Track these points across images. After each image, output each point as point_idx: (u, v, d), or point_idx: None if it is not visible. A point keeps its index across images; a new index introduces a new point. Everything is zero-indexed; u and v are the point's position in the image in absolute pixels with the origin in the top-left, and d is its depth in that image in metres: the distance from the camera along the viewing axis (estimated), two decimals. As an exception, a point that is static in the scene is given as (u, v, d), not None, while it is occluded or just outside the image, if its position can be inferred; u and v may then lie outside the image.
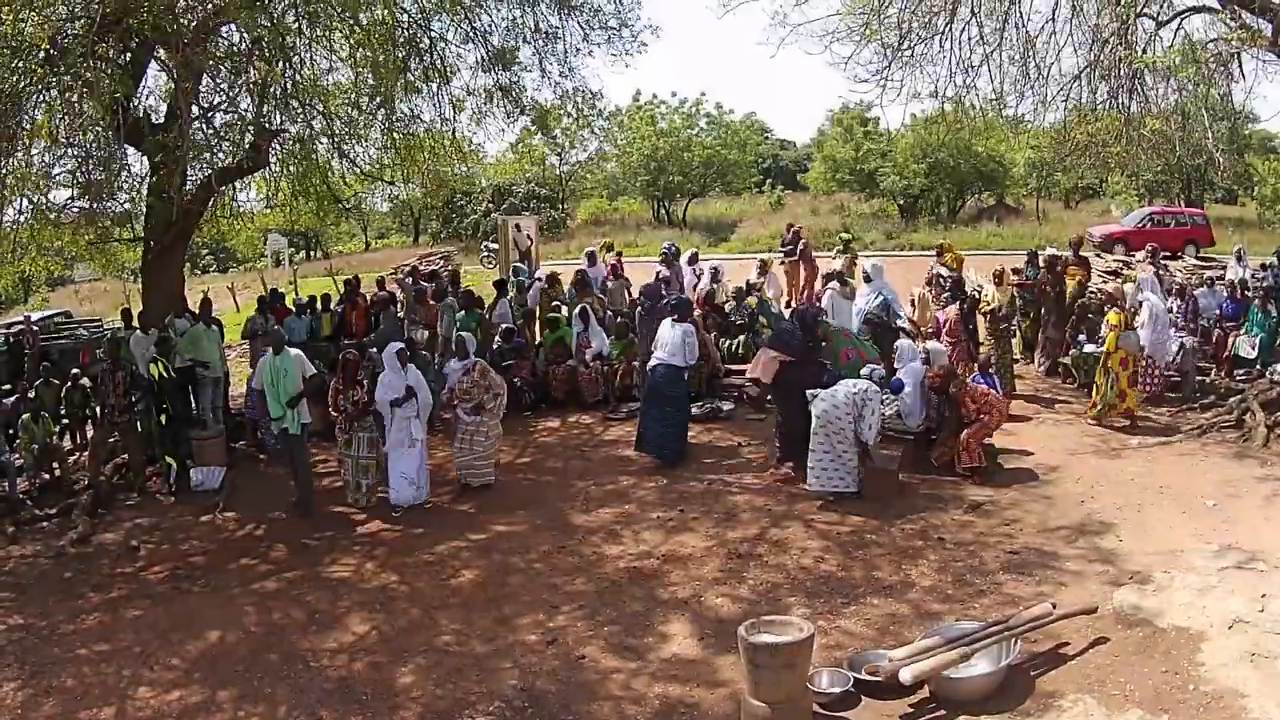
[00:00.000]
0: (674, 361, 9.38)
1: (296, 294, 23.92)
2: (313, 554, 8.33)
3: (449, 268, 18.87)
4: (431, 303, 12.47)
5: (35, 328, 15.86)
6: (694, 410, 11.34)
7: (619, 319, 12.63)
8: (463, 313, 11.94)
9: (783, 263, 16.86)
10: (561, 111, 13.92)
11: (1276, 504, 8.03)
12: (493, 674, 6.18)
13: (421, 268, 18.09)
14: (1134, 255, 17.53)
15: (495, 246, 25.73)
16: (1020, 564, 7.16)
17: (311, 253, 39.20)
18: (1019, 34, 12.38)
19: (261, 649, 6.76)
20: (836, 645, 6.24)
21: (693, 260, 15.43)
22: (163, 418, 10.01)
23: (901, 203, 31.72)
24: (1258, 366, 11.32)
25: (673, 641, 6.44)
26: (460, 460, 9.25)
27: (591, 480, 9.45)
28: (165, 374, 9.98)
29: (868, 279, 11.29)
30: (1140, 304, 11.10)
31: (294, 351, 9.31)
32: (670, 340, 9.42)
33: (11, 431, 10.68)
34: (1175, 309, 12.38)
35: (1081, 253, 13.44)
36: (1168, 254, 20.76)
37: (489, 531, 8.38)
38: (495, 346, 11.93)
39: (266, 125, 10.92)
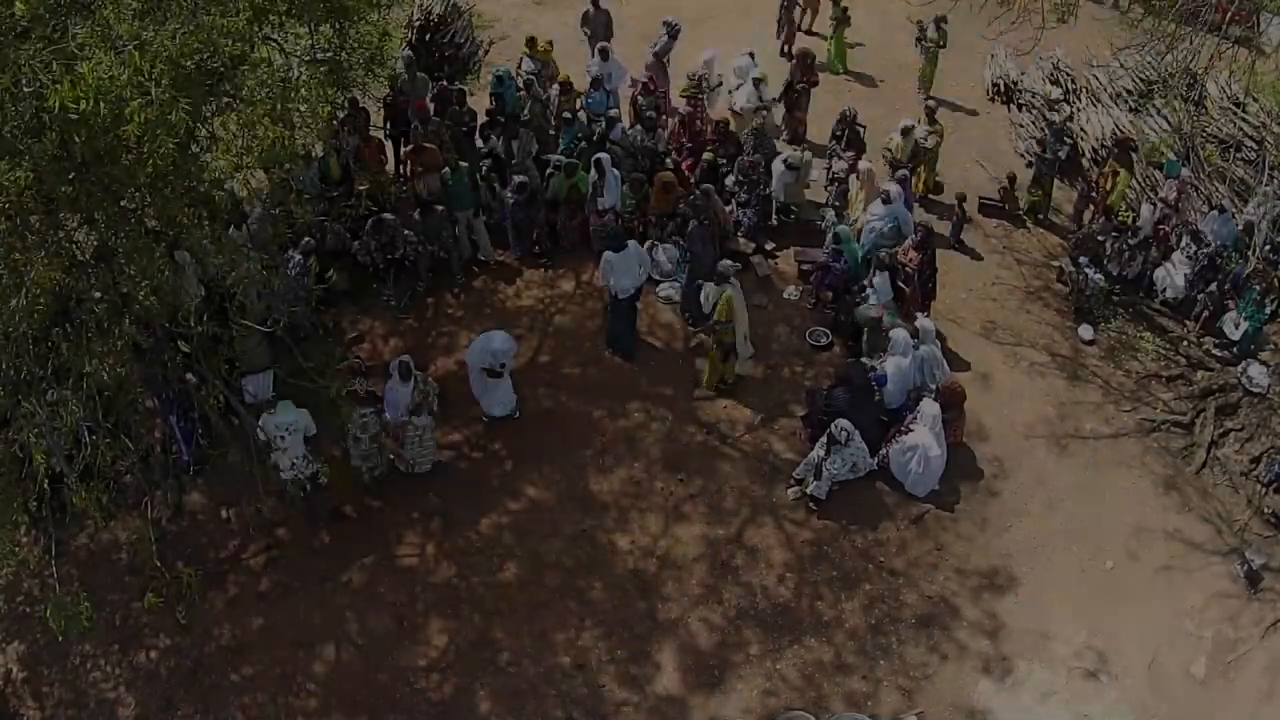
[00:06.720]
0: None
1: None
2: (385, 533, 9.94)
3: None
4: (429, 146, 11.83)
5: None
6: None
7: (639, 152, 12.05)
8: (452, 170, 11.67)
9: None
10: None
11: (1162, 581, 9.55)
12: (542, 700, 8.93)
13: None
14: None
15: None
16: (926, 618, 9.36)
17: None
18: None
19: (364, 668, 9.05)
20: (772, 691, 8.93)
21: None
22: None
23: None
24: (1234, 350, 11.22)
25: (664, 674, 9.07)
26: (410, 452, 9.89)
27: (605, 409, 10.88)
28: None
29: (887, 199, 10.76)
30: None
31: (301, 411, 9.26)
32: None
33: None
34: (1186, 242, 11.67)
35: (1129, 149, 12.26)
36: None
37: (521, 500, 10.22)
38: (511, 200, 11.75)
39: None
